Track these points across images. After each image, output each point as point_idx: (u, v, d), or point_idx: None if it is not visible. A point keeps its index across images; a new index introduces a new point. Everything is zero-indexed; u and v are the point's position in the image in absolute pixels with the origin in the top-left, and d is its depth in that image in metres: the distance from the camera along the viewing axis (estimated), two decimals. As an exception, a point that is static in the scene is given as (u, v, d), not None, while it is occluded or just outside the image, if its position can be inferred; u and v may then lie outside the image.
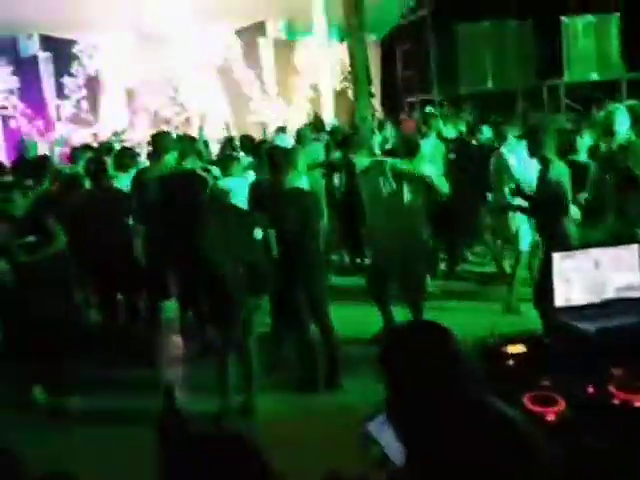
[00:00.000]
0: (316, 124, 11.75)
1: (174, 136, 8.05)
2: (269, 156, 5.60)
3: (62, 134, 15.09)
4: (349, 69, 15.11)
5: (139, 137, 13.80)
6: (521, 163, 6.80)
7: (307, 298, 5.41)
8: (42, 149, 13.62)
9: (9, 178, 7.54)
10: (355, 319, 6.46)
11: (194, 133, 11.47)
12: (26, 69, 15.51)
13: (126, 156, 7.66)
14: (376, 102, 16.17)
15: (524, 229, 7.02)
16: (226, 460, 1.50)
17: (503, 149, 7.42)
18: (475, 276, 8.36)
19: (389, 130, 10.83)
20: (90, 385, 5.56)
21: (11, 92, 15.36)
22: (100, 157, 7.59)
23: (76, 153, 9.06)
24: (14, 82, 15.38)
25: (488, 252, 8.57)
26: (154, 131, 8.75)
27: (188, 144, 7.63)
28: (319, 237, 5.51)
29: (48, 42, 15.70)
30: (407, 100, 16.67)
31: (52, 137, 15.21)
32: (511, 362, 2.73)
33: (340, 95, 15.49)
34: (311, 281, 5.42)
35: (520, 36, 15.01)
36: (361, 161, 6.73)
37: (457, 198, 7.16)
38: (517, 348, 2.79)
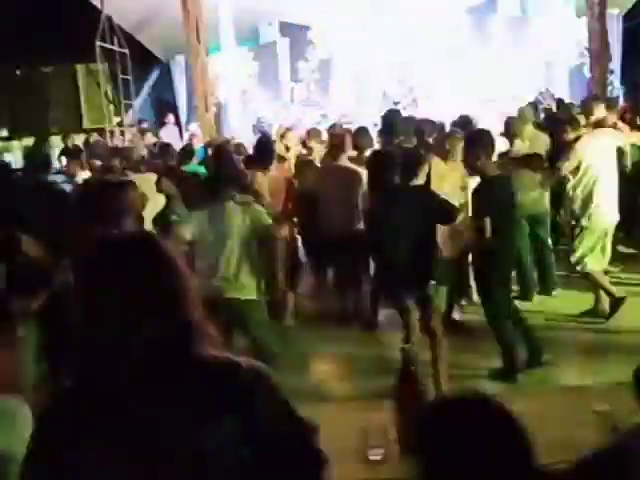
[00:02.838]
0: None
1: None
2: None
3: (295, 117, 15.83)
4: (586, 45, 14.30)
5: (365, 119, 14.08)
6: None
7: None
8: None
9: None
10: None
11: (421, 115, 11.46)
12: (265, 54, 16.43)
13: None
14: (615, 79, 15.12)
15: None
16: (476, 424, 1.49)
17: None
18: None
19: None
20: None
21: (251, 76, 16.37)
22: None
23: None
24: (254, 67, 16.37)
25: None
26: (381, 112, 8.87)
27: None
28: None
29: (286, 28, 16.50)
30: (651, 77, 15.39)
31: (286, 119, 16.00)
32: None
33: (576, 72, 14.69)
34: None
35: None
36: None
37: None
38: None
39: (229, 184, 4.81)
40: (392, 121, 6.66)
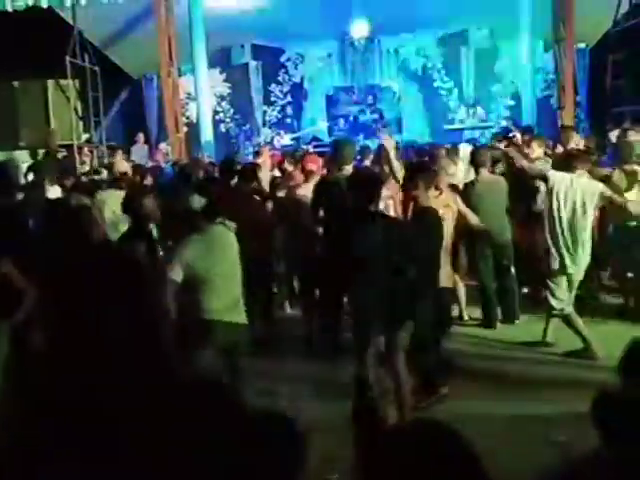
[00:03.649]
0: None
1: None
2: None
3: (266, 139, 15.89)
4: (552, 77, 14.61)
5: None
6: None
7: None
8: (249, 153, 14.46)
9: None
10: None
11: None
12: (237, 77, 16.50)
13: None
14: (582, 112, 15.44)
15: None
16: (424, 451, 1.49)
17: None
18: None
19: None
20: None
21: (223, 98, 16.40)
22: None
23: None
24: (226, 89, 16.41)
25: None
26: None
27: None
28: None
29: (258, 51, 16.61)
30: (615, 111, 15.73)
31: (258, 141, 16.04)
32: None
33: (543, 103, 14.97)
34: None
35: None
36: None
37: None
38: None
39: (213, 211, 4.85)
40: (338, 147, 6.66)
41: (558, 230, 5.93)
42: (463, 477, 1.46)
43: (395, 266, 4.57)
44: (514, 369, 5.77)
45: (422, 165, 5.84)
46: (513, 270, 7.06)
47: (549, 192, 5.97)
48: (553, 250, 5.98)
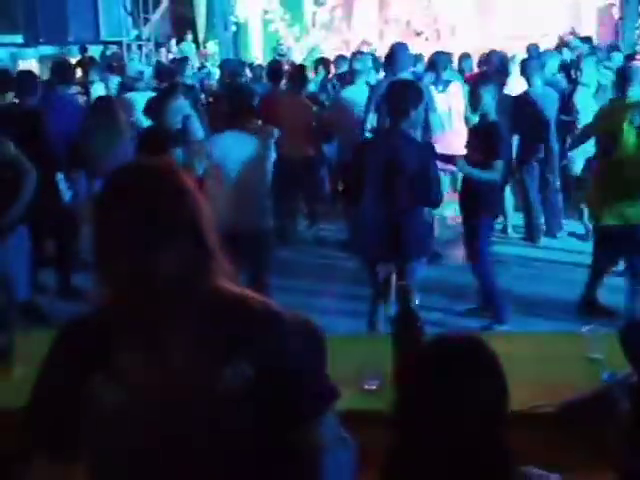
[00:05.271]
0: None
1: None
2: None
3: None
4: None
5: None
6: None
7: None
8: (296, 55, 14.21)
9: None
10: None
11: (442, 46, 11.25)
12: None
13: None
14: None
15: None
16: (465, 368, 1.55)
17: None
18: None
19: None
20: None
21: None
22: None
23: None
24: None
25: None
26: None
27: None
28: None
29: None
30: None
31: (306, 42, 15.67)
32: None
33: (604, 12, 14.31)
34: None
35: None
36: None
37: None
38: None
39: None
40: (394, 53, 6.36)
41: None
42: (491, 388, 1.52)
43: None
44: (554, 284, 5.78)
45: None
46: (558, 183, 6.97)
47: None
48: None
